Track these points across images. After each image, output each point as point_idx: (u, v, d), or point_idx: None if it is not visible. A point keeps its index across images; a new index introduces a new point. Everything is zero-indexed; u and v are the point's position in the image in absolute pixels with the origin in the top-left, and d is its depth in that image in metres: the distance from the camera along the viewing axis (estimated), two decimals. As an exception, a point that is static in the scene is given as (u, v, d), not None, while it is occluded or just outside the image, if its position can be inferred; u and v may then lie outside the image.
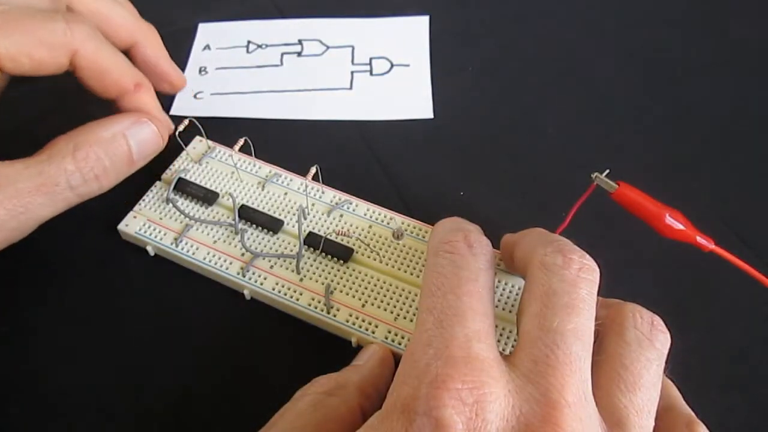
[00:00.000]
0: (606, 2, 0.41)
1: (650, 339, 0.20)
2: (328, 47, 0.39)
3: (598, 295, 0.20)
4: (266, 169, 0.31)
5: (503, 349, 0.25)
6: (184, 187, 0.30)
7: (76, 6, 0.28)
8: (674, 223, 0.24)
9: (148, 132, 0.28)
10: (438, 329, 0.19)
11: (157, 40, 0.31)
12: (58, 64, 0.26)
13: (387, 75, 0.37)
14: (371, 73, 0.37)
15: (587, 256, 0.21)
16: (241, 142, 0.30)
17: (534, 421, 0.17)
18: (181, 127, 0.30)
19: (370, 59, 0.38)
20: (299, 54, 0.38)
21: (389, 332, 0.26)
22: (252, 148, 0.30)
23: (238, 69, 0.37)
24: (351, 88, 0.37)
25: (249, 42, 0.39)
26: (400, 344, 0.26)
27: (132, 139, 0.27)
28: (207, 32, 0.39)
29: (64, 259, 0.28)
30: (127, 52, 0.30)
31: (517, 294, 0.27)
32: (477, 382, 0.17)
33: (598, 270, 0.20)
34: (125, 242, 0.29)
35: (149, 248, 0.29)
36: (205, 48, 0.38)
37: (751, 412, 0.26)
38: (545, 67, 0.38)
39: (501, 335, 0.26)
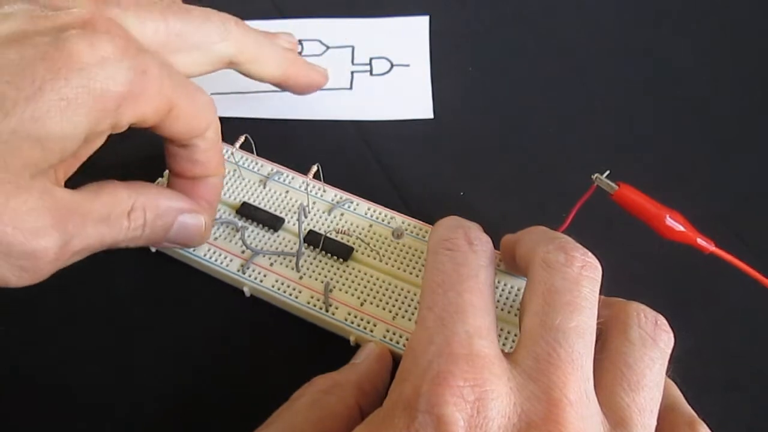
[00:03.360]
0: (606, 2, 0.41)
1: (654, 338, 0.20)
2: (328, 47, 0.39)
3: (600, 295, 0.20)
4: (268, 167, 0.31)
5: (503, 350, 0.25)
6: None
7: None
8: (674, 224, 0.24)
9: (195, 225, 0.26)
10: (439, 326, 0.19)
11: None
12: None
13: (387, 75, 0.37)
14: (371, 73, 0.37)
15: (590, 253, 0.21)
16: (242, 139, 0.30)
17: (536, 418, 0.17)
18: None
19: (370, 59, 0.38)
20: (299, 54, 0.38)
21: (388, 331, 0.26)
22: (253, 145, 0.30)
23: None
24: (351, 88, 0.37)
25: (249, 41, 0.39)
26: (398, 343, 0.25)
27: (179, 223, 0.25)
28: (207, 31, 0.39)
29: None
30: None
31: (516, 295, 0.27)
32: (479, 379, 0.17)
33: (600, 268, 0.20)
34: (124, 240, 0.29)
35: (148, 246, 0.28)
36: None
37: (751, 412, 0.26)
38: (545, 67, 0.38)
39: (500, 336, 0.26)
